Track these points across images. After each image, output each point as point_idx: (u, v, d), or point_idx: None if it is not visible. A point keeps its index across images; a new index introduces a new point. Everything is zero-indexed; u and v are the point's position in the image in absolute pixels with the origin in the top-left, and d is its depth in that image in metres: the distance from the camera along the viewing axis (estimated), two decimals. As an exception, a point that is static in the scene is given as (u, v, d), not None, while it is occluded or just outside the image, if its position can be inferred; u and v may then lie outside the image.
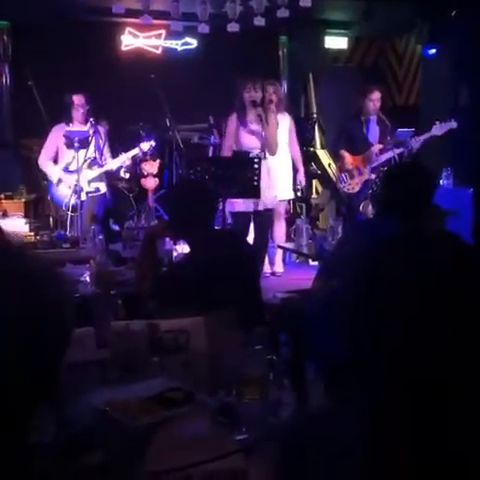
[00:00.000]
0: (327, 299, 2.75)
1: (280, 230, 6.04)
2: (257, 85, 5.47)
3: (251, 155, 5.43)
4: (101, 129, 5.96)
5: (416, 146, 6.13)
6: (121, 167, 6.10)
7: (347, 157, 6.31)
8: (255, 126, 5.54)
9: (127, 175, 6.35)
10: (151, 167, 6.77)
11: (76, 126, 5.87)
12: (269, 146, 5.54)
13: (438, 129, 6.16)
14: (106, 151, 6.01)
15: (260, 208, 5.50)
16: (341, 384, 1.28)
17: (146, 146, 6.21)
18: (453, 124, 6.21)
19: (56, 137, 5.88)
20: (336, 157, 6.62)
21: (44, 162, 5.92)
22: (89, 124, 5.81)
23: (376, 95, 6.30)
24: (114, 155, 6.07)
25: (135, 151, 6.12)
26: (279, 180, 5.81)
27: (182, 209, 3.07)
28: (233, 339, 2.11)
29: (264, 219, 5.62)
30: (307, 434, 1.10)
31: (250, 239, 5.84)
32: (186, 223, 2.99)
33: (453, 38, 7.26)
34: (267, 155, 5.55)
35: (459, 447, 1.02)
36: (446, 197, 5.14)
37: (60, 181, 5.84)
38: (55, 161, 5.91)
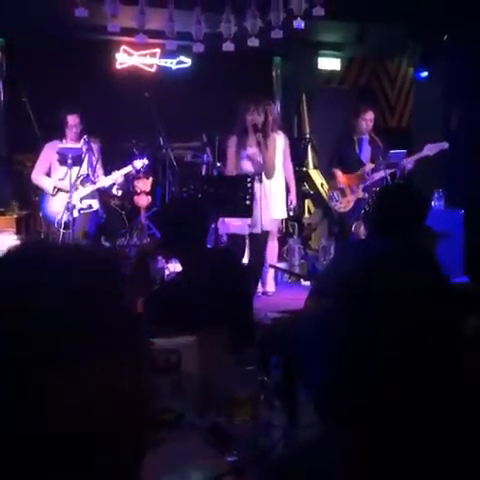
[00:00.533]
0: (319, 319, 2.75)
1: (273, 250, 6.04)
2: (260, 108, 5.48)
3: (243, 175, 5.45)
4: (94, 146, 5.97)
5: (409, 166, 6.17)
6: (113, 184, 6.10)
7: (339, 175, 6.34)
8: (254, 149, 5.55)
9: (119, 192, 6.35)
10: (144, 185, 6.77)
11: (69, 143, 5.89)
12: (267, 170, 5.55)
13: (430, 149, 6.20)
14: (99, 168, 6.02)
15: (256, 231, 5.50)
16: (331, 406, 1.27)
17: (139, 164, 6.22)
18: (444, 145, 6.25)
19: (49, 154, 5.88)
20: (329, 176, 6.65)
21: (37, 176, 5.91)
22: (82, 141, 5.82)
23: (370, 115, 6.35)
24: (107, 172, 6.08)
25: (128, 169, 6.13)
26: (273, 200, 5.83)
27: (175, 227, 3.06)
28: (224, 359, 2.10)
29: (260, 241, 5.62)
30: (294, 468, 1.09)
31: (244, 259, 5.85)
32: (178, 241, 2.98)
33: (445, 61, 7.34)
34: (263, 178, 5.57)
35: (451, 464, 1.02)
36: (438, 218, 5.16)
37: (56, 189, 5.82)
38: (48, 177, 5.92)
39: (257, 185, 5.39)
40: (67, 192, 5.73)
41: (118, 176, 6.03)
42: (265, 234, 5.64)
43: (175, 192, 6.66)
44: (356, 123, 6.34)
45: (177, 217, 3.10)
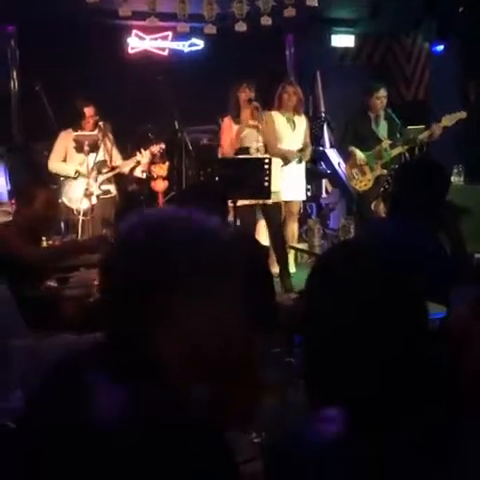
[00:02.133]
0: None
1: (292, 230, 6.04)
2: (251, 86, 5.61)
3: (261, 156, 5.45)
4: (108, 132, 5.97)
5: (433, 137, 6.05)
6: (134, 168, 6.09)
7: (357, 153, 6.28)
8: (251, 122, 5.59)
9: (144, 175, 6.32)
10: (160, 169, 6.76)
11: (84, 131, 5.89)
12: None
13: (448, 120, 6.12)
14: (115, 153, 6.01)
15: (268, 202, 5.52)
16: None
17: (156, 149, 6.20)
18: (463, 114, 6.16)
19: (64, 142, 5.89)
20: (344, 154, 6.59)
21: (55, 164, 5.92)
22: (98, 128, 5.83)
23: (383, 93, 6.28)
24: (122, 157, 6.08)
25: (145, 154, 6.12)
26: (292, 180, 5.83)
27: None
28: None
29: (273, 213, 5.63)
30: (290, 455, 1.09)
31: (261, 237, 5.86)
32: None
33: (460, 34, 7.23)
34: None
35: None
36: (458, 194, 5.10)
37: (77, 173, 5.83)
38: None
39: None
40: (86, 176, 5.74)
41: (141, 157, 6.01)
42: (277, 205, 5.64)
43: (192, 175, 6.66)
44: (369, 101, 6.28)
45: (193, 203, 3.08)
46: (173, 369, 1.02)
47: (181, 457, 0.93)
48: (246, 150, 5.62)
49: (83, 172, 5.78)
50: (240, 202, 5.25)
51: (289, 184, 5.88)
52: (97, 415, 0.96)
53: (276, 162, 5.64)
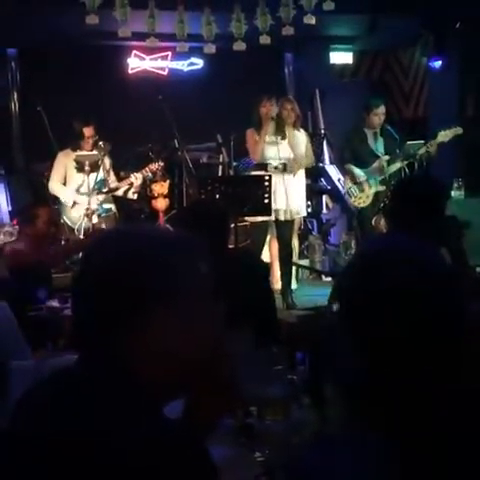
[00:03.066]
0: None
1: (293, 247, 6.06)
2: (272, 100, 5.64)
3: (265, 171, 5.48)
4: (108, 153, 6.01)
5: (430, 153, 6.09)
6: (129, 188, 6.12)
7: (355, 171, 6.28)
8: (273, 138, 5.63)
9: (135, 196, 6.35)
10: (161, 188, 6.78)
11: (84, 151, 5.93)
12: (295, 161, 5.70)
13: (444, 135, 6.14)
14: (112, 174, 6.08)
15: (281, 218, 5.54)
16: (360, 404, 1.26)
17: (154, 167, 6.23)
18: (458, 130, 6.18)
19: (64, 162, 5.93)
20: (342, 171, 6.60)
21: (55, 186, 5.95)
22: (97, 148, 5.87)
23: (382, 109, 6.27)
24: (123, 175, 6.13)
25: (144, 172, 6.15)
26: (293, 196, 5.85)
27: (194, 231, 3.07)
28: (252, 359, 2.10)
29: (285, 229, 5.66)
30: (313, 469, 1.08)
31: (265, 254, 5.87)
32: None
33: (458, 49, 7.27)
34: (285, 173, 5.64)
35: None
36: (459, 208, 5.10)
37: (75, 203, 5.87)
38: (64, 185, 5.97)
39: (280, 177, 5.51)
40: (85, 209, 5.78)
41: (135, 179, 6.06)
42: (289, 223, 5.69)
43: (193, 194, 6.67)
44: (367, 118, 6.27)
45: (195, 220, 3.10)
46: (148, 384, 1.03)
47: (159, 469, 0.94)
48: (265, 167, 5.65)
49: (81, 201, 5.82)
50: (253, 218, 5.31)
51: (290, 200, 5.89)
52: (72, 430, 0.97)
53: (290, 180, 5.66)
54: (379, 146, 6.32)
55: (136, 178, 6.07)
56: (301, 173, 5.95)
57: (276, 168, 5.60)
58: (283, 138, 5.67)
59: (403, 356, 1.06)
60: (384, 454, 1.02)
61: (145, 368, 1.04)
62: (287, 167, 5.66)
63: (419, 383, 1.05)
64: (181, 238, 1.16)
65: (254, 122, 5.67)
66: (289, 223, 5.69)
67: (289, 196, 5.63)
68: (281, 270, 5.66)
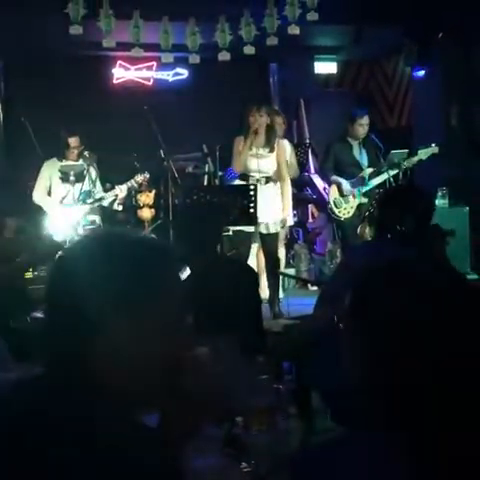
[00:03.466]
0: (329, 325, 2.73)
1: (280, 256, 6.05)
2: (262, 110, 5.54)
3: (246, 183, 5.46)
4: (93, 162, 5.98)
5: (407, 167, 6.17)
6: (115, 200, 6.10)
7: (343, 184, 6.25)
8: (260, 150, 5.57)
9: (120, 207, 6.33)
10: (147, 198, 6.77)
11: (69, 161, 5.90)
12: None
13: (423, 154, 6.21)
14: (98, 185, 6.04)
15: (263, 231, 5.51)
16: (347, 412, 1.26)
17: (140, 178, 6.22)
18: (435, 149, 6.24)
19: (48, 171, 5.90)
20: (324, 178, 6.60)
21: (39, 196, 5.92)
22: (83, 158, 5.85)
23: (366, 120, 6.29)
24: (109, 187, 6.10)
25: (129, 183, 6.13)
26: (276, 208, 5.84)
27: (184, 236, 3.10)
28: (238, 368, 2.09)
29: (271, 239, 5.63)
30: (318, 464, 1.08)
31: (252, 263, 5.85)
32: (190, 247, 2.99)
33: (441, 59, 7.33)
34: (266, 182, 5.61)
35: None
36: (443, 217, 5.14)
37: (58, 215, 5.83)
38: (48, 195, 5.93)
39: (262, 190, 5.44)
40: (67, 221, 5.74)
41: (119, 191, 6.04)
42: (275, 235, 5.66)
43: (180, 203, 6.64)
44: (351, 128, 6.28)
45: (186, 226, 3.13)
46: (114, 390, 1.04)
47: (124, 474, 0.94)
48: (246, 178, 5.59)
49: (66, 206, 5.78)
50: (239, 227, 5.26)
51: (276, 209, 5.89)
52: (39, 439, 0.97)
53: (277, 192, 5.62)
54: (363, 157, 6.34)
55: (121, 190, 6.05)
56: (287, 182, 5.94)
57: (258, 181, 5.56)
58: (271, 151, 5.60)
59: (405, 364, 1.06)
60: (387, 455, 1.02)
61: (109, 375, 1.04)
62: (271, 180, 5.62)
63: (419, 383, 1.05)
64: (155, 247, 1.16)
65: (243, 131, 5.63)
66: (273, 235, 5.66)
67: (271, 208, 5.61)
68: (268, 280, 5.66)
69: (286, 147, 6.07)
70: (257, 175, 5.53)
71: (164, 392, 1.10)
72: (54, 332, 1.08)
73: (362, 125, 6.24)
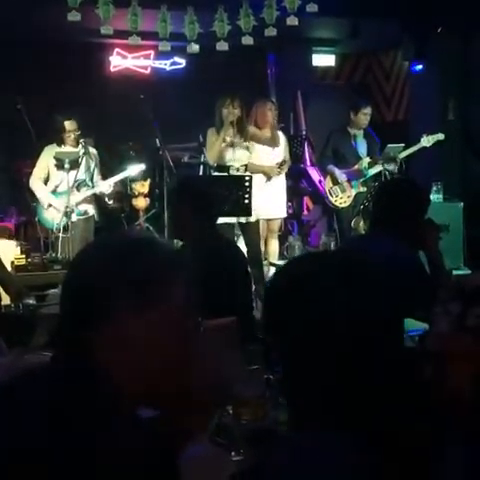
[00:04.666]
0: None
1: (274, 248, 6.06)
2: (235, 102, 5.58)
3: (242, 173, 5.47)
4: (92, 151, 5.95)
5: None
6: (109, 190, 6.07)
7: (337, 173, 6.31)
8: (235, 139, 5.61)
9: (111, 201, 6.31)
10: (142, 187, 6.76)
11: (67, 148, 5.87)
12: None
13: (426, 141, 6.21)
14: (96, 173, 5.99)
15: (242, 220, 5.51)
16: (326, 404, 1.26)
17: (136, 169, 6.20)
18: (440, 136, 6.25)
19: (48, 157, 5.87)
20: (323, 170, 6.63)
21: (35, 183, 5.89)
22: (80, 145, 5.81)
23: (369, 110, 6.37)
24: (103, 176, 6.06)
25: (124, 174, 6.11)
26: (273, 198, 5.86)
27: (195, 203, 3.10)
28: (232, 355, 2.09)
29: (251, 230, 5.64)
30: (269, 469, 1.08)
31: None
32: (192, 219, 3.00)
33: (439, 54, 7.33)
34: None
35: None
36: (437, 211, 5.14)
37: (50, 206, 5.81)
38: (46, 182, 5.90)
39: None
40: (59, 211, 5.70)
41: (115, 181, 6.01)
42: (256, 223, 5.67)
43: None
44: (354, 118, 6.33)
45: (187, 200, 3.14)
46: (121, 389, 1.04)
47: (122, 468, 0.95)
48: (227, 169, 5.63)
49: (57, 205, 5.74)
50: (220, 220, 5.23)
51: (271, 202, 5.90)
52: (36, 435, 0.97)
53: (258, 180, 5.66)
54: (362, 147, 6.37)
55: (110, 186, 5.99)
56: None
57: (238, 170, 5.60)
58: (245, 140, 5.67)
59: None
60: (353, 453, 1.02)
61: (114, 372, 1.04)
62: (248, 169, 5.66)
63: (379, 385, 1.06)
64: (162, 248, 1.16)
65: (217, 122, 5.65)
66: (253, 224, 5.66)
67: (261, 197, 5.65)
68: (252, 272, 5.66)
69: (283, 138, 6.10)
70: (235, 164, 5.57)
71: (172, 389, 1.10)
72: (65, 321, 1.11)
73: (366, 115, 6.31)
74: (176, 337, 1.08)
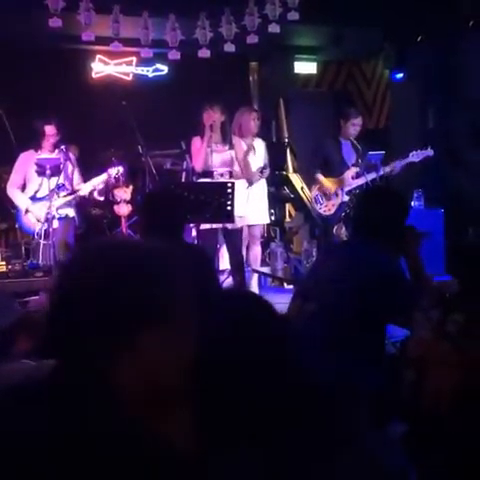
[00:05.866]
0: (304, 322, 2.74)
1: (255, 254, 6.08)
2: (215, 107, 5.64)
3: (224, 180, 5.49)
4: (71, 156, 5.93)
5: (397, 170, 6.20)
6: (94, 190, 6.04)
7: (323, 180, 6.32)
8: (219, 147, 5.63)
9: (101, 198, 6.28)
10: (124, 193, 6.74)
11: (45, 153, 5.83)
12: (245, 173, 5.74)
13: (415, 156, 6.25)
14: (76, 177, 5.96)
15: (228, 226, 5.53)
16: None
17: (114, 171, 6.18)
18: (430, 152, 6.29)
19: (24, 164, 5.82)
20: (311, 178, 6.65)
21: (12, 190, 5.84)
22: (57, 151, 5.77)
23: (359, 120, 6.36)
24: (85, 181, 6.04)
25: (103, 176, 6.08)
26: (254, 204, 5.88)
27: (150, 216, 3.14)
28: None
29: (234, 237, 5.66)
30: None
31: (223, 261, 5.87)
32: (154, 230, 3.00)
33: (419, 62, 7.39)
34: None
35: None
36: (418, 218, 5.18)
37: (28, 211, 5.77)
38: (23, 187, 5.86)
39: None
40: (37, 217, 5.67)
41: (95, 184, 5.98)
42: (238, 230, 5.70)
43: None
44: (344, 127, 6.33)
45: (151, 208, 3.18)
46: (128, 400, 1.01)
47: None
48: (210, 174, 5.66)
49: (35, 211, 5.71)
50: (202, 226, 5.23)
51: (252, 208, 5.92)
52: (45, 443, 0.95)
53: (241, 187, 5.68)
54: (350, 156, 6.38)
55: (91, 186, 5.96)
56: (261, 180, 6.02)
57: (222, 175, 5.62)
58: (230, 148, 5.69)
59: None
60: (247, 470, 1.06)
61: (126, 383, 1.02)
62: (233, 175, 5.69)
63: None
64: (163, 253, 1.13)
65: (201, 129, 5.68)
66: (235, 231, 5.68)
67: (245, 203, 5.69)
68: (234, 278, 5.68)
69: (262, 146, 6.14)
70: (220, 170, 5.59)
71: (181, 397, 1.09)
72: (72, 346, 1.04)
73: (355, 125, 6.30)
74: (189, 346, 1.07)
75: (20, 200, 5.81)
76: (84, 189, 5.88)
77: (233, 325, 1.24)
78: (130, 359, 1.02)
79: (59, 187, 5.79)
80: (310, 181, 6.64)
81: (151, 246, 1.12)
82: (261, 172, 5.91)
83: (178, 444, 1.03)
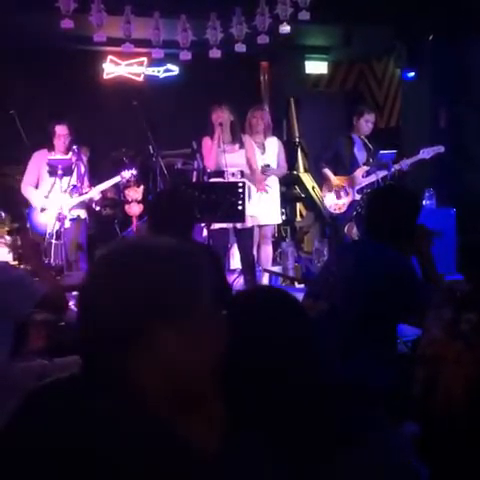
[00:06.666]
0: (316, 320, 2.74)
1: (266, 254, 6.08)
2: (223, 106, 5.68)
3: (235, 180, 5.50)
4: (83, 157, 5.95)
5: (405, 168, 6.18)
6: (106, 192, 6.08)
7: (333, 178, 6.32)
8: (229, 146, 5.65)
9: (97, 208, 6.32)
10: (135, 193, 6.75)
11: (58, 154, 5.86)
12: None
13: (426, 153, 6.23)
14: (86, 180, 6.00)
15: (238, 226, 5.54)
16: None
17: (127, 174, 6.20)
18: (440, 148, 6.27)
19: (37, 163, 5.87)
20: (317, 173, 6.64)
21: (26, 188, 5.89)
22: (71, 152, 5.81)
23: (372, 117, 6.38)
24: (97, 182, 6.06)
25: (116, 179, 6.11)
26: (266, 204, 5.88)
27: (159, 216, 3.13)
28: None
29: (245, 237, 5.66)
30: None
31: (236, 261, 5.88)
32: (163, 230, 3.00)
33: (431, 61, 7.37)
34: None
35: None
36: (430, 217, 5.17)
37: (43, 209, 5.81)
38: (36, 187, 5.90)
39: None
40: (52, 215, 5.69)
41: (106, 187, 6.02)
42: (250, 230, 5.70)
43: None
44: (357, 123, 6.34)
45: (161, 207, 3.18)
46: (149, 400, 1.01)
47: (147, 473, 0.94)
48: (222, 174, 5.67)
49: (51, 208, 5.74)
50: (213, 225, 5.24)
51: (264, 208, 5.93)
52: (69, 442, 0.96)
53: (253, 186, 5.70)
54: (361, 154, 6.37)
55: (107, 186, 6.00)
56: (274, 179, 6.02)
57: (233, 175, 5.63)
58: (240, 147, 5.71)
59: None
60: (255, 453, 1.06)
61: (149, 383, 1.02)
62: (245, 174, 5.69)
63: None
64: (186, 253, 1.13)
65: (211, 130, 5.70)
66: (247, 230, 5.69)
67: (257, 203, 5.69)
68: (245, 277, 5.68)
69: (273, 144, 6.13)
70: (231, 170, 5.60)
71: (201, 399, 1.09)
72: (95, 339, 1.05)
73: (368, 121, 6.31)
74: (209, 343, 1.07)
75: (35, 198, 5.85)
76: (92, 193, 5.90)
77: (254, 324, 1.25)
78: (151, 359, 1.02)
79: (72, 188, 5.83)
80: (321, 179, 6.63)
81: (170, 244, 1.12)
82: (263, 170, 5.89)
83: (199, 444, 1.02)
